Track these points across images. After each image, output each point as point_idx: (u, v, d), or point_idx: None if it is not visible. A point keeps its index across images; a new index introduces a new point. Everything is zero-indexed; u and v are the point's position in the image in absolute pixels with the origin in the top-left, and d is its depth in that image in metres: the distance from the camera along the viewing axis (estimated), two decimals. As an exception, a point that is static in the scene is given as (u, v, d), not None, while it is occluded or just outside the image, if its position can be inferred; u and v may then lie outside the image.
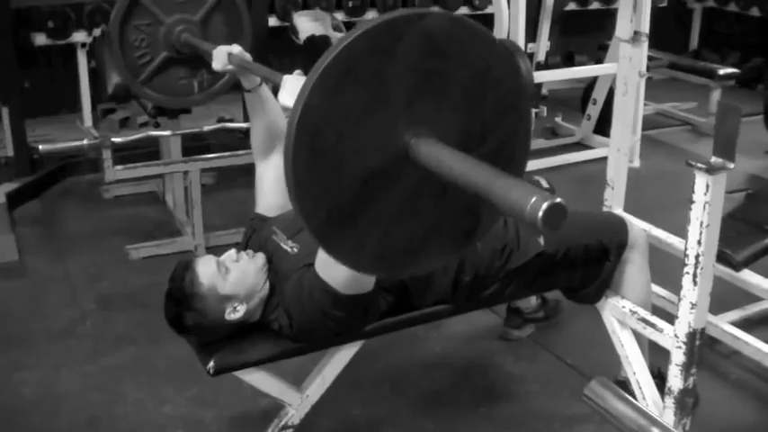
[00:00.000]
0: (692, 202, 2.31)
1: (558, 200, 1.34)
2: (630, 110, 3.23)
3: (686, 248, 2.37)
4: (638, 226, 2.78)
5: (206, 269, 2.33)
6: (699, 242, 2.34)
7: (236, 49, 2.72)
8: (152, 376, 3.15)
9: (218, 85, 3.55)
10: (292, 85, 2.22)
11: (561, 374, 3.17)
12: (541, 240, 2.57)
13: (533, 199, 1.35)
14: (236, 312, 2.34)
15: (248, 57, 2.70)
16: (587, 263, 2.66)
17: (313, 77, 1.52)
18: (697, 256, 2.35)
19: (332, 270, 2.16)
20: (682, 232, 3.27)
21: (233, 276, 2.34)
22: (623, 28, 3.19)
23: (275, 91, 2.36)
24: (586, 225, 2.73)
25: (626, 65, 3.19)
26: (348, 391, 2.72)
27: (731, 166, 2.26)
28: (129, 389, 3.08)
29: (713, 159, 2.27)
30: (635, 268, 2.73)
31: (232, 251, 2.42)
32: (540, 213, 1.34)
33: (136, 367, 3.21)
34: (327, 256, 1.69)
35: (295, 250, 2.42)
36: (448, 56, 1.63)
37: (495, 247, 2.54)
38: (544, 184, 3.00)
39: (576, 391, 3.04)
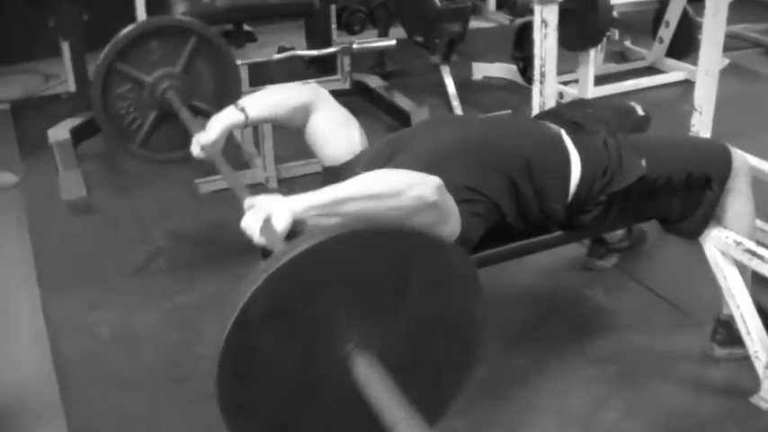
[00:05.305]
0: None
1: None
2: (721, 31, 3.08)
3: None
4: (740, 153, 2.63)
5: None
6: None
7: (203, 139, 2.61)
8: (231, 315, 3.08)
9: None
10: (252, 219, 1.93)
11: (653, 306, 3.05)
12: (643, 163, 2.44)
13: None
14: None
15: (219, 145, 2.62)
16: (689, 190, 2.51)
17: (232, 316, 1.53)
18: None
19: None
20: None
21: None
22: (717, -58, 3.04)
23: None
24: (689, 151, 2.60)
25: (719, -18, 3.04)
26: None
27: None
28: (208, 328, 3.00)
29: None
30: (738, 197, 2.57)
31: None
32: None
33: (214, 306, 3.11)
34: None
35: None
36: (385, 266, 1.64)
37: (597, 169, 2.41)
38: (639, 111, 2.87)
39: (669, 324, 2.96)
